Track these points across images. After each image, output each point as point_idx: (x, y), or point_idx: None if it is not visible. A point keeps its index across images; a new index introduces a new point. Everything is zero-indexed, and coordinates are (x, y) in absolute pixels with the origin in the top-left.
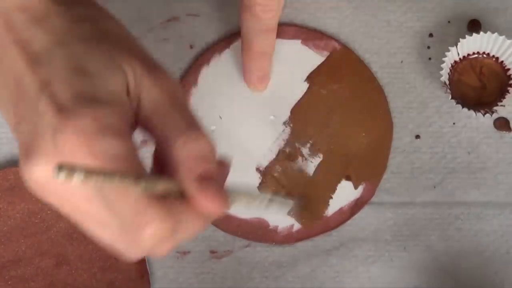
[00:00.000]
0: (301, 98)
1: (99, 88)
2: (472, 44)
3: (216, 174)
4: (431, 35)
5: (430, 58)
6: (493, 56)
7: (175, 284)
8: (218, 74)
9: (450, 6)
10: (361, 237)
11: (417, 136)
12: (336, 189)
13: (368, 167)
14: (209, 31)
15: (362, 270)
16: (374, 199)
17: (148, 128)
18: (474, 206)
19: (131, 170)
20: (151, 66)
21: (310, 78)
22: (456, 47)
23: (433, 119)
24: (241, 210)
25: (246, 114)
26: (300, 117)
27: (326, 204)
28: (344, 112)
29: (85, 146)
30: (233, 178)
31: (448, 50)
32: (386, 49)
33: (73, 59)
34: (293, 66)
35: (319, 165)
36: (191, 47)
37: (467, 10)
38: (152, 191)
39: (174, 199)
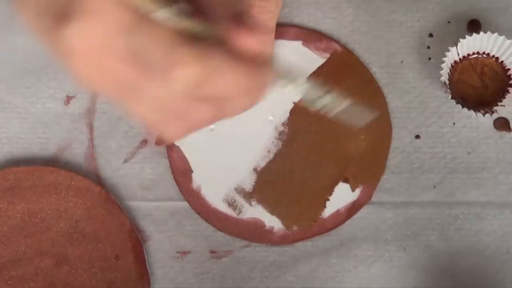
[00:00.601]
0: (300, 99)
1: None
2: (472, 44)
3: (249, 15)
4: (431, 35)
5: (430, 58)
6: (493, 56)
7: (175, 284)
8: None
9: (450, 6)
10: (361, 237)
11: (417, 136)
12: (333, 191)
13: (366, 169)
14: None
15: (362, 270)
16: (374, 199)
17: None
18: (474, 206)
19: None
20: None
21: (310, 79)
22: (456, 47)
23: (433, 119)
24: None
25: (245, 114)
26: (299, 118)
27: (323, 206)
28: None
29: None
30: (230, 179)
31: (448, 50)
32: (386, 49)
33: None
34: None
35: (317, 167)
36: None
37: (467, 10)
38: (182, 25)
39: (211, 42)
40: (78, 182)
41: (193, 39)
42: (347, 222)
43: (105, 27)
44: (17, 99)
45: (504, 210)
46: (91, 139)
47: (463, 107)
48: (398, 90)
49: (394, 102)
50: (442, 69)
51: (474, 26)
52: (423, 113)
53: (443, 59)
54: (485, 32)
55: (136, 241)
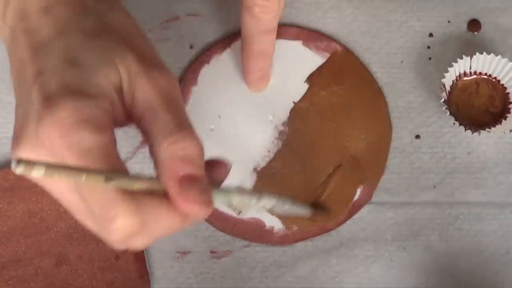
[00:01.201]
0: (300, 99)
1: (88, 81)
2: (473, 65)
3: (201, 178)
4: (431, 35)
5: (430, 58)
6: (495, 78)
7: (175, 284)
8: (218, 73)
9: (450, 6)
10: (361, 237)
11: (417, 136)
12: None
13: (366, 169)
14: (209, 31)
15: (362, 270)
16: (374, 199)
17: (140, 126)
18: (474, 206)
19: (105, 165)
20: (149, 65)
21: (310, 79)
22: (456, 66)
23: (433, 119)
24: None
25: (245, 114)
26: (299, 118)
27: None
28: (344, 114)
29: (61, 137)
30: (231, 178)
31: (447, 71)
32: (386, 49)
33: (69, 50)
34: (294, 66)
35: (316, 166)
36: (191, 47)
37: (467, 10)
38: (127, 188)
39: (149, 196)
40: None
41: (131, 192)
42: (347, 222)
43: (46, 158)
44: None
45: (504, 210)
46: None
47: (460, 124)
48: (398, 90)
49: (394, 102)
50: (441, 69)
51: (474, 26)
52: (423, 113)
53: (442, 80)
54: (485, 32)
55: None
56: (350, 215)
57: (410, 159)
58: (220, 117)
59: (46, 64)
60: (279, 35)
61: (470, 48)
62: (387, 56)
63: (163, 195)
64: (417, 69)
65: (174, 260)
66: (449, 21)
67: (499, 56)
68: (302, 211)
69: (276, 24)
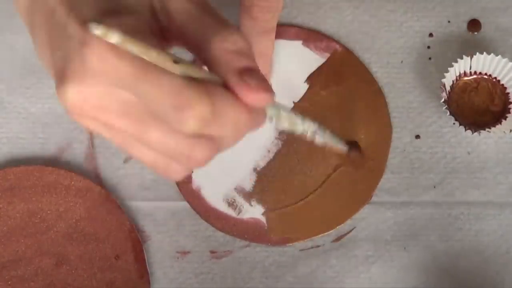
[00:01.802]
0: (300, 99)
1: (121, 3)
2: (473, 65)
3: (257, 69)
4: (431, 35)
5: (430, 58)
6: (495, 78)
7: (175, 284)
8: None
9: (450, 6)
10: (361, 237)
11: (417, 136)
12: None
13: (366, 169)
14: None
15: (362, 270)
16: (374, 199)
17: (183, 39)
18: (474, 206)
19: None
20: None
21: (310, 79)
22: (456, 66)
23: (433, 119)
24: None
25: None
26: None
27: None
28: (343, 114)
29: (112, 51)
30: (230, 178)
31: (447, 71)
32: (386, 49)
33: None
34: (294, 67)
35: (315, 167)
36: None
37: (467, 10)
38: (190, 76)
39: (217, 85)
40: (78, 182)
41: (198, 81)
42: (347, 222)
43: (102, 87)
44: (17, 99)
45: (504, 210)
46: (91, 139)
47: (460, 125)
48: (398, 90)
49: (394, 102)
50: (441, 68)
51: (474, 26)
52: (423, 113)
53: (442, 80)
54: (485, 32)
55: (136, 241)
56: (350, 215)
57: (410, 159)
58: None
59: (78, 1)
60: (279, 35)
61: (470, 48)
62: (387, 56)
63: (227, 89)
64: (417, 69)
65: (174, 260)
66: (449, 21)
67: (499, 56)
68: (339, 144)
69: (275, 24)
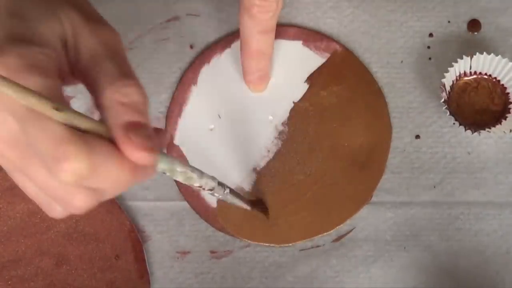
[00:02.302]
0: (300, 99)
1: (33, 31)
2: (473, 65)
3: (146, 125)
4: (431, 35)
5: (430, 58)
6: (495, 78)
7: (175, 284)
8: (218, 73)
9: (450, 6)
10: (361, 237)
11: (417, 136)
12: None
13: (365, 170)
14: (209, 31)
15: (362, 270)
16: (374, 199)
17: (84, 78)
18: (474, 206)
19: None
20: (92, 19)
21: (310, 79)
22: (456, 66)
23: (433, 119)
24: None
25: (245, 114)
26: (299, 118)
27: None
28: (343, 114)
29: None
30: (230, 178)
31: (447, 71)
32: (386, 49)
33: (12, 5)
34: (294, 67)
35: (315, 167)
36: (191, 47)
37: (467, 10)
38: (74, 125)
39: (99, 140)
40: None
41: (83, 133)
42: (347, 222)
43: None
44: None
45: (504, 210)
46: None
47: (460, 125)
48: (398, 90)
49: (394, 102)
50: (442, 68)
51: (474, 26)
52: (423, 113)
53: (442, 80)
54: (485, 32)
55: (136, 241)
56: (350, 215)
57: (410, 159)
58: (220, 117)
59: None
60: (279, 35)
61: (470, 48)
62: (387, 56)
63: (111, 143)
64: (417, 69)
65: (174, 260)
66: (449, 21)
67: (499, 56)
68: (241, 203)
69: (274, 24)
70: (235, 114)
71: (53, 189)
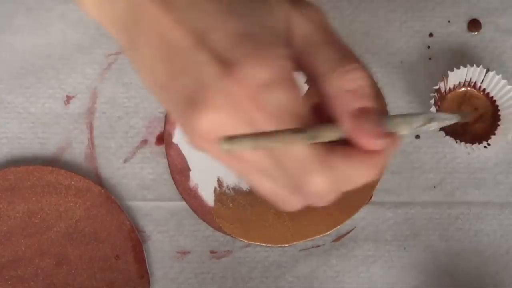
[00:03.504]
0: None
1: (257, 29)
2: (464, 77)
3: (374, 109)
4: (431, 35)
5: (430, 58)
6: (484, 90)
7: (175, 284)
8: None
9: (450, 6)
10: (361, 237)
11: (417, 136)
12: None
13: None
14: None
15: (362, 270)
16: (374, 199)
17: (300, 65)
18: (474, 206)
19: (298, 121)
20: (298, 1)
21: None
22: (446, 78)
23: None
24: None
25: None
26: None
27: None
28: None
29: (253, 99)
30: (229, 177)
31: (437, 85)
32: (387, 49)
33: (221, 4)
34: None
35: None
36: None
37: (467, 10)
38: (315, 140)
39: (340, 147)
40: (78, 182)
41: (323, 149)
42: (347, 222)
43: (234, 120)
44: (17, 99)
45: (504, 210)
46: (91, 139)
47: (450, 136)
48: (398, 90)
49: (394, 102)
50: (442, 69)
51: (474, 26)
52: None
53: (431, 94)
54: (485, 32)
55: (136, 241)
56: (350, 215)
57: (410, 159)
58: None
59: (202, 25)
60: None
61: (470, 48)
62: (387, 56)
63: (353, 146)
64: (417, 69)
65: (174, 260)
66: (449, 21)
67: (480, 67)
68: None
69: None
70: None
71: (300, 197)
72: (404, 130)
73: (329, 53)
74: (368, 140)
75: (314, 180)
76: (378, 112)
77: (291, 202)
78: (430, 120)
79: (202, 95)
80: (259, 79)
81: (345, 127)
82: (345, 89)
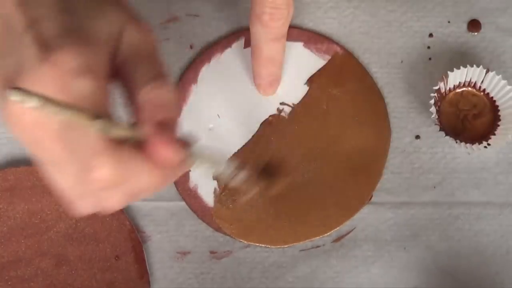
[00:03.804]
0: (300, 101)
1: (87, 27)
2: (464, 77)
3: (175, 125)
4: (431, 35)
5: (430, 58)
6: (484, 90)
7: (175, 285)
8: (218, 73)
9: (450, 6)
10: (361, 237)
11: (417, 136)
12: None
13: (364, 173)
14: (209, 31)
15: (362, 270)
16: (374, 199)
17: (120, 73)
18: (474, 206)
19: (96, 111)
20: (133, 15)
21: (310, 81)
22: (446, 79)
23: (433, 119)
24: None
25: (244, 114)
26: (299, 119)
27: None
28: (342, 117)
29: (59, 82)
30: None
31: (437, 85)
32: (386, 49)
33: (60, 1)
34: (294, 68)
35: (315, 168)
36: (191, 47)
37: (467, 10)
38: (109, 134)
39: (132, 147)
40: None
41: (117, 143)
42: (347, 222)
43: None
44: None
45: (504, 210)
46: None
47: (456, 140)
48: (398, 90)
49: (394, 102)
50: (442, 69)
51: (474, 26)
52: (423, 113)
53: (431, 94)
54: (485, 32)
55: (136, 241)
56: (350, 215)
57: (410, 159)
58: (219, 117)
59: (38, 13)
60: None
61: (470, 49)
62: (387, 56)
63: (144, 152)
64: (417, 69)
65: (174, 261)
66: (449, 21)
67: (481, 67)
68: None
69: (285, 32)
70: (234, 114)
71: (86, 190)
72: (203, 165)
73: (149, 67)
74: (160, 148)
75: (101, 167)
76: (178, 134)
77: (80, 201)
78: (235, 174)
79: (17, 76)
80: (70, 65)
81: (145, 131)
82: (153, 102)
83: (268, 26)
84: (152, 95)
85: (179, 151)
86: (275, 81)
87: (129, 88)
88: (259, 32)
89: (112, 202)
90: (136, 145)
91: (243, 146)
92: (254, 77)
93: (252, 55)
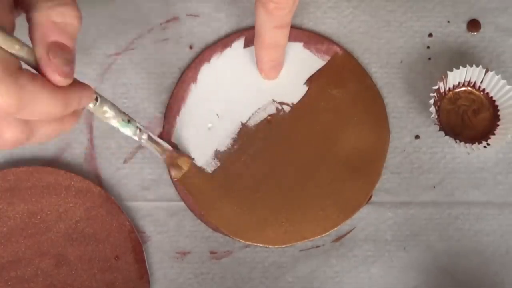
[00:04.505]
0: (299, 101)
1: None
2: (462, 76)
3: (70, 49)
4: (431, 35)
5: (430, 58)
6: (483, 89)
7: (175, 285)
8: (218, 72)
9: (450, 6)
10: (361, 237)
11: (417, 136)
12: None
13: (363, 173)
14: (209, 31)
15: (362, 270)
16: (374, 199)
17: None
18: (474, 206)
19: None
20: None
21: (310, 81)
22: (445, 78)
23: (433, 119)
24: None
25: (244, 114)
26: (298, 119)
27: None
28: (342, 117)
29: None
30: None
31: (436, 85)
32: (386, 49)
33: None
34: (294, 68)
35: (314, 168)
36: (191, 47)
37: (467, 10)
38: (4, 48)
39: (31, 76)
40: (78, 182)
41: (12, 69)
42: (346, 222)
43: None
44: None
45: (504, 210)
46: (91, 139)
47: (455, 140)
48: (397, 90)
49: (394, 102)
50: (441, 69)
51: (474, 26)
52: (423, 113)
53: (430, 94)
54: (485, 32)
55: (135, 241)
56: (350, 215)
57: (410, 159)
58: (218, 116)
59: None
60: None
61: (469, 48)
62: (386, 56)
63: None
64: (417, 69)
65: (174, 261)
66: (448, 21)
67: (480, 67)
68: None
69: (290, 20)
70: (233, 113)
71: None
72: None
73: None
74: (53, 73)
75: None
76: (73, 54)
77: None
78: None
79: None
80: None
81: (37, 54)
82: (51, 20)
83: (273, 14)
84: (49, 14)
85: (70, 75)
86: (278, 65)
87: (27, 7)
88: (263, 19)
89: (9, 134)
90: (31, 73)
91: (240, 145)
92: (257, 61)
93: (256, 40)
